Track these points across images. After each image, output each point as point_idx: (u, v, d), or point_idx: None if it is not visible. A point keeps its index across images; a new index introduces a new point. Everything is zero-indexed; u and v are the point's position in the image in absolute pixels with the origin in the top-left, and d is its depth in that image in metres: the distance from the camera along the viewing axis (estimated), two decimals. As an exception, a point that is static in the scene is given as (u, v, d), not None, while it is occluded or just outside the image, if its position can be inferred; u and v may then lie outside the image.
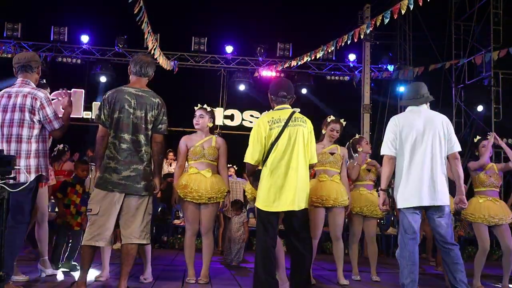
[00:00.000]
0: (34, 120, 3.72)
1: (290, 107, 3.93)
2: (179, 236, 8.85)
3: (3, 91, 3.82)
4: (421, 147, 3.83)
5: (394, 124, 3.95)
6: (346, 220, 5.70)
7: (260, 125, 3.80)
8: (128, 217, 3.69)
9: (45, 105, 3.74)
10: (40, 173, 3.75)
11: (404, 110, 4.25)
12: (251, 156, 3.80)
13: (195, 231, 4.72)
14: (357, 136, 5.81)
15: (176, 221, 9.00)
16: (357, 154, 5.68)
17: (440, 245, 3.83)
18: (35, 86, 3.85)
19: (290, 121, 3.79)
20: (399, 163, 3.92)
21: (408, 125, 3.89)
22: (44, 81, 4.63)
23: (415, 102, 4.02)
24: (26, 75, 3.83)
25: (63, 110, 4.05)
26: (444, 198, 3.82)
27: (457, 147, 3.95)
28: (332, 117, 5.18)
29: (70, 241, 5.38)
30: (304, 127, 3.83)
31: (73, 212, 5.35)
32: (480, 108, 11.72)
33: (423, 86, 4.08)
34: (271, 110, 4.02)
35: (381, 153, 4.01)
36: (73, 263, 5.21)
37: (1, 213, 3.16)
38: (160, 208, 8.73)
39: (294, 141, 3.75)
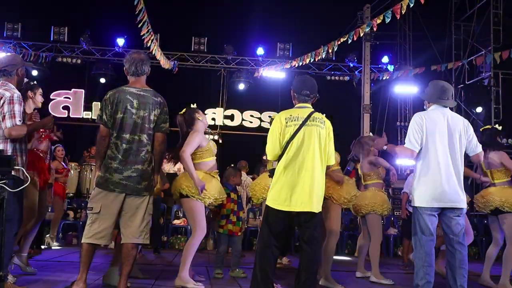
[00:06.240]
0: None
1: (311, 106, 3.88)
2: (179, 236, 8.85)
3: None
4: (445, 148, 3.79)
5: (420, 119, 3.88)
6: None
7: (277, 120, 3.77)
8: (128, 217, 3.69)
9: (5, 103, 3.61)
10: None
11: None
12: (268, 152, 3.79)
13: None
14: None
15: (176, 221, 9.00)
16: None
17: (450, 244, 3.79)
18: (10, 88, 3.74)
19: (308, 120, 3.72)
20: (419, 161, 3.88)
21: (432, 123, 3.84)
22: (35, 82, 4.55)
23: (442, 103, 3.95)
24: (6, 79, 3.79)
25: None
26: (464, 200, 3.82)
27: (480, 148, 3.99)
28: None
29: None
30: (322, 128, 3.75)
31: (234, 219, 5.36)
32: (480, 108, 11.73)
33: (451, 89, 4.04)
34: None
35: (405, 147, 3.92)
36: (238, 269, 5.30)
37: (1, 213, 3.17)
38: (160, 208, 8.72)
39: (310, 141, 3.67)
